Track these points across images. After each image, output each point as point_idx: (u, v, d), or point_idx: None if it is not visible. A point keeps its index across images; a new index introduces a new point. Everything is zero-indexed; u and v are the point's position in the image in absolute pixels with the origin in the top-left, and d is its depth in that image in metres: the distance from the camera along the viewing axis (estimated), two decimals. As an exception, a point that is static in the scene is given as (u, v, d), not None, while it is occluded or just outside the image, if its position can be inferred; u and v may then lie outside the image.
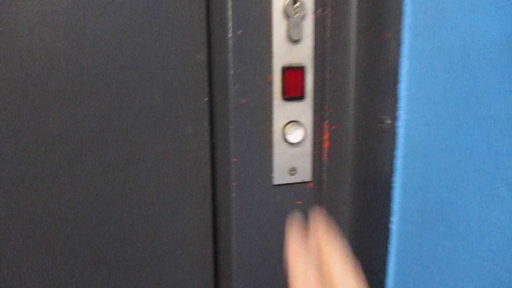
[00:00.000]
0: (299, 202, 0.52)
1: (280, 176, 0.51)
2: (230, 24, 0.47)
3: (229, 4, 0.46)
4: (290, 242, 0.36)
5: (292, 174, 0.52)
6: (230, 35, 0.47)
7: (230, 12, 0.46)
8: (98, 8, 0.46)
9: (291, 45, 0.49)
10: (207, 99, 0.53)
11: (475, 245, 0.38)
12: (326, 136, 0.52)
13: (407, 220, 0.46)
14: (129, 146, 0.50)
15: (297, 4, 0.47)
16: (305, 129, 0.51)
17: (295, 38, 0.48)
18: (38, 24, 0.45)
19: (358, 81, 0.50)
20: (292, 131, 0.50)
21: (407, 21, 0.43)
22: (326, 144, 0.52)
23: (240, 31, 0.47)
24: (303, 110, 0.51)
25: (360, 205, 0.52)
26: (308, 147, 0.51)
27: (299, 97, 0.50)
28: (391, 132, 0.46)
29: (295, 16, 0.48)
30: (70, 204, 0.49)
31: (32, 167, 0.47)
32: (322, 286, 0.33)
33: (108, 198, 0.50)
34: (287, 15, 0.48)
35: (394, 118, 0.45)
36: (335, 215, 0.53)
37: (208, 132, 0.54)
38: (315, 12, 0.49)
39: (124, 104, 0.49)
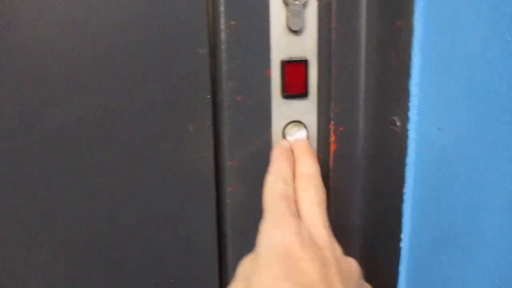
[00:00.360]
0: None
1: (281, 182, 0.46)
2: (221, 15, 0.42)
3: (220, -8, 0.42)
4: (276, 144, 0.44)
5: (295, 180, 0.46)
6: (222, 26, 0.43)
7: (221, 1, 0.42)
8: (96, 2, 0.43)
9: (292, 36, 0.44)
10: (209, 96, 0.49)
11: (490, 274, 0.31)
12: (332, 139, 0.46)
13: (419, 239, 0.39)
14: (128, 144, 0.47)
15: (297, -10, 0.42)
16: (309, 131, 0.45)
17: (295, 28, 0.43)
18: (37, 19, 0.42)
19: (369, 76, 0.44)
20: (294, 132, 0.45)
21: (420, 5, 0.36)
22: (332, 148, 0.46)
23: (233, 22, 0.43)
24: (307, 109, 0.45)
25: (370, 218, 0.46)
26: (312, 150, 0.46)
27: (302, 94, 0.45)
28: (402, 136, 0.39)
29: (295, 3, 0.43)
30: (70, 203, 0.47)
31: (33, 165, 0.45)
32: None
33: (108, 198, 0.48)
34: (286, 2, 0.42)
35: (405, 120, 0.39)
36: (343, 229, 0.48)
37: (211, 132, 0.50)
38: (319, -2, 0.43)
39: (122, 101, 0.46)
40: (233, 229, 0.49)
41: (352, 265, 0.36)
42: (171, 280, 0.53)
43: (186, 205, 0.50)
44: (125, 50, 0.44)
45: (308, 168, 0.39)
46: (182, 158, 0.49)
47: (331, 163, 0.47)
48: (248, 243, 0.48)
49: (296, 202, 0.37)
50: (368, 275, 0.45)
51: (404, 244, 0.41)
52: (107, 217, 0.48)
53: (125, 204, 0.48)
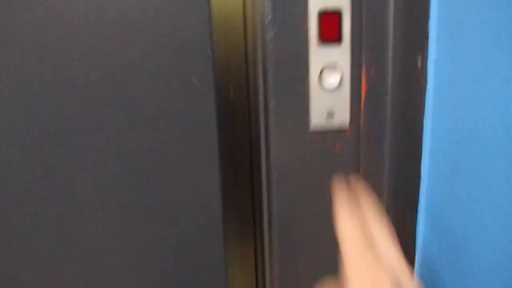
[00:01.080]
0: (336, 150, 0.53)
1: (317, 121, 0.53)
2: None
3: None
4: (338, 212, 0.40)
5: (330, 119, 0.53)
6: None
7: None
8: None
9: (327, -11, 0.50)
10: (210, 52, 0.53)
11: (495, 198, 0.36)
12: (364, 81, 0.52)
13: (436, 164, 0.45)
14: (142, 104, 0.53)
15: None
16: (343, 73, 0.51)
17: (330, -19, 0.49)
18: None
19: (396, 21, 0.49)
20: (329, 75, 0.51)
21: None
22: (364, 89, 0.52)
23: (275, -22, 0.49)
24: (340, 54, 0.51)
25: (398, 154, 0.52)
26: (346, 91, 0.52)
27: (336, 40, 0.51)
28: (422, 73, 0.45)
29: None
30: (85, 163, 0.53)
31: (47, 124, 0.51)
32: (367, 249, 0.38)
33: (124, 158, 0.54)
34: (321, -42, 0.48)
35: (425, 57, 0.44)
36: (373, 165, 0.54)
37: (213, 84, 0.54)
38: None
39: (131, 62, 0.52)
40: (275, 166, 0.55)
41: None
42: (188, 238, 0.57)
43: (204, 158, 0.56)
44: (130, 10, 0.50)
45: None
46: (189, 110, 0.54)
47: (362, 103, 0.52)
48: (289, 180, 0.55)
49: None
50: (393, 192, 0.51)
51: (424, 166, 0.47)
52: (123, 176, 0.54)
53: (143, 163, 0.54)
